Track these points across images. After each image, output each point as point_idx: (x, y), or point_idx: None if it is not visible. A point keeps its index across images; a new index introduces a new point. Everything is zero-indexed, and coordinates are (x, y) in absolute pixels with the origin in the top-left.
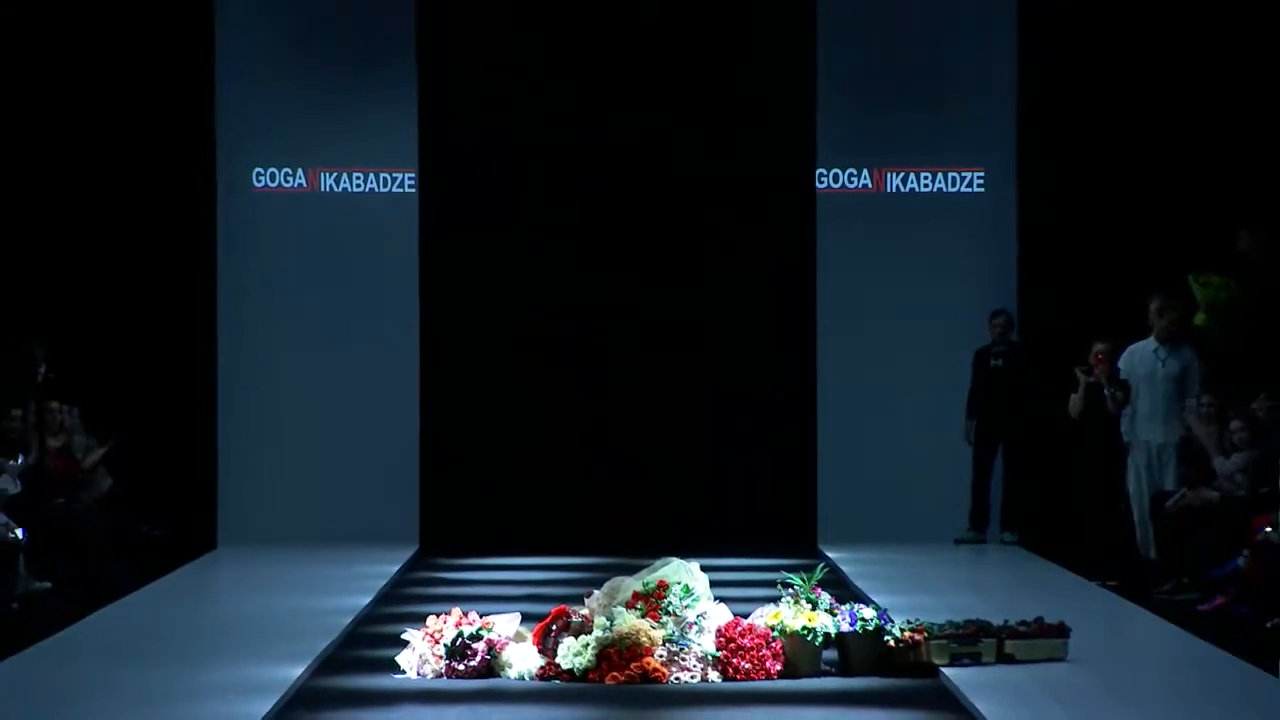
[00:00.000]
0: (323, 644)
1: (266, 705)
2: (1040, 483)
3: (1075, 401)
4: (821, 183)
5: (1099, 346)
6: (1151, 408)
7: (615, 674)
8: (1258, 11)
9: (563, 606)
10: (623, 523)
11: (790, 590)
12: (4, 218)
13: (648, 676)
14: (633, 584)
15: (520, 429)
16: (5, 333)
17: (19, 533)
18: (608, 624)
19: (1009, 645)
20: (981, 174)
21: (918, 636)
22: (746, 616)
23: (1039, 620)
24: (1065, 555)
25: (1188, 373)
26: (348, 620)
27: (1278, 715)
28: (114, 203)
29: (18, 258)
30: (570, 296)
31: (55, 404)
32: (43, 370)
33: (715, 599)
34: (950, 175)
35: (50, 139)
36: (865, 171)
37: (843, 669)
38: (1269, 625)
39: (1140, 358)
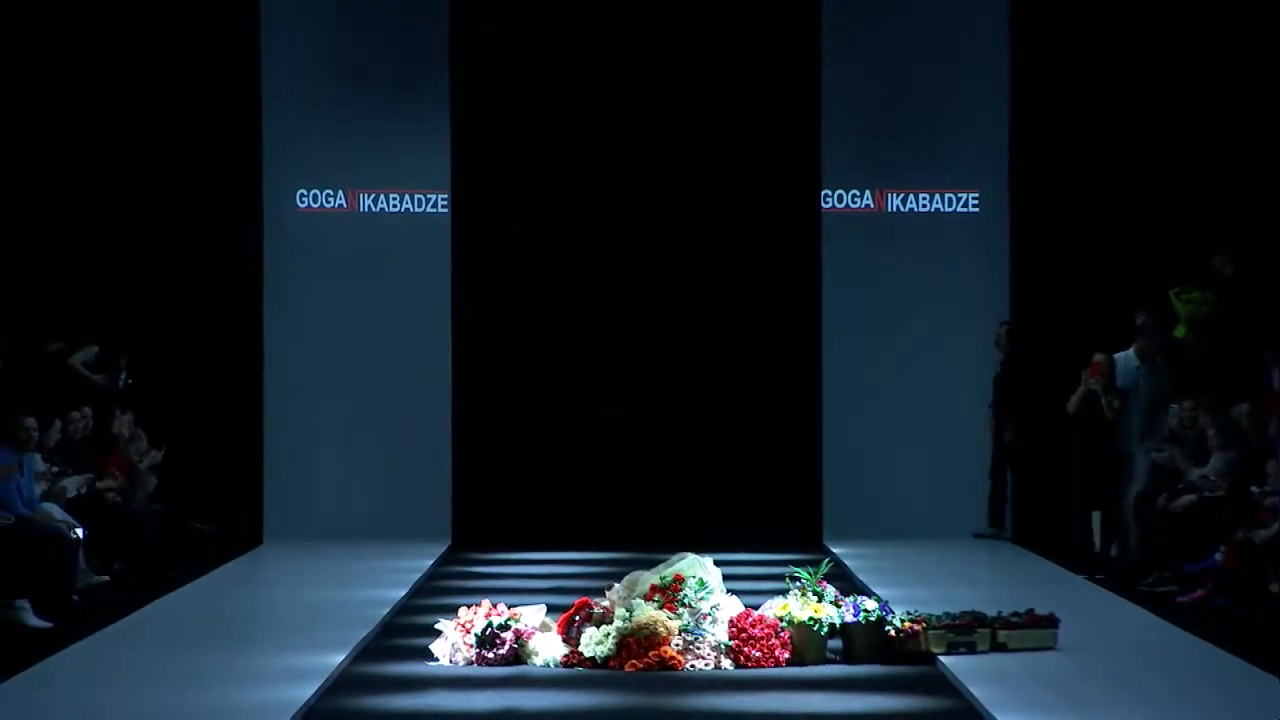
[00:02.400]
0: (362, 633)
1: (309, 690)
2: (1032, 482)
3: (1073, 400)
4: (826, 202)
5: (1098, 357)
6: (1129, 417)
7: (634, 661)
8: (1236, 46)
9: (585, 598)
10: (641, 520)
11: (798, 583)
12: (66, 234)
13: (665, 664)
14: (650, 577)
15: (544, 433)
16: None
17: (79, 531)
18: (627, 615)
19: (1002, 635)
20: (976, 195)
21: (917, 627)
22: (757, 608)
23: (1030, 611)
24: (1055, 550)
25: (1160, 390)
26: (385, 611)
27: (1251, 699)
28: (168, 221)
29: (79, 273)
30: (591, 307)
31: (119, 412)
32: (124, 376)
33: (727, 592)
34: (947, 196)
35: (108, 164)
36: (867, 192)
37: (847, 657)
38: (1249, 614)
39: (1124, 369)
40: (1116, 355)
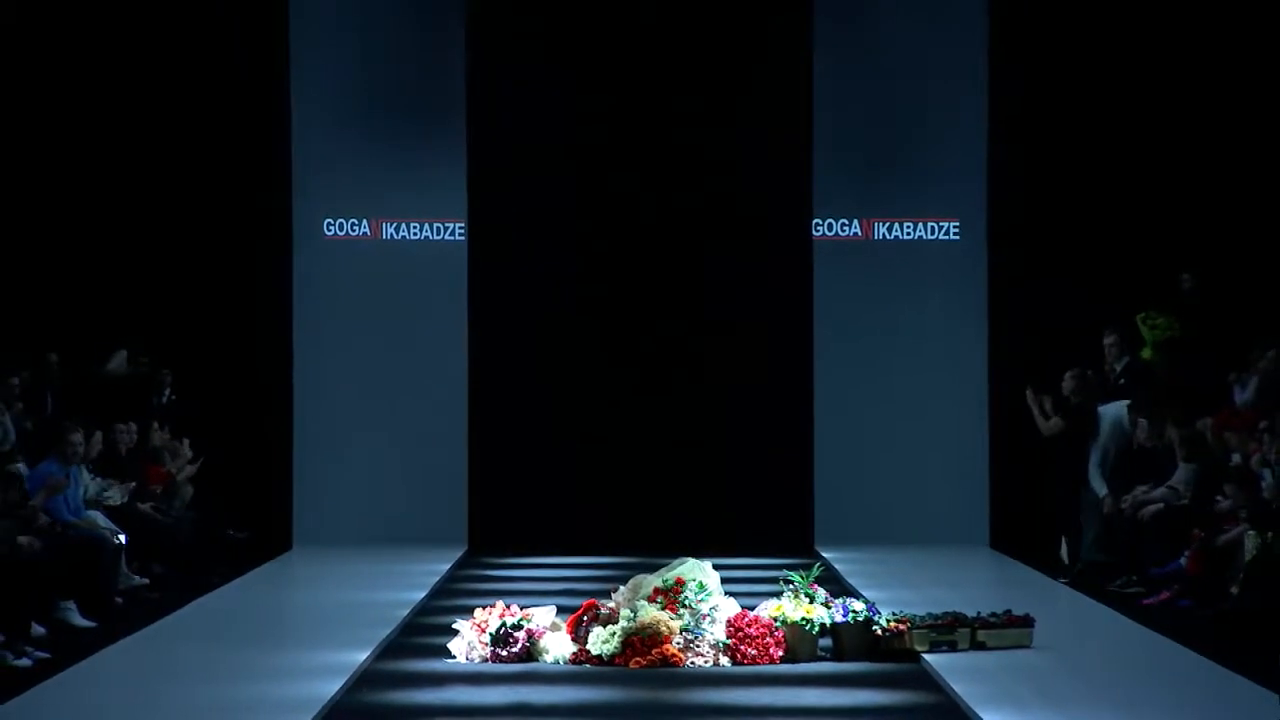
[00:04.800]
0: (384, 632)
1: (335, 685)
2: (1009, 493)
3: (1044, 425)
4: (817, 230)
5: (1070, 373)
6: (1104, 458)
7: (638, 659)
8: (1203, 82)
9: (593, 600)
10: (645, 527)
11: (791, 586)
12: (110, 260)
13: (667, 661)
14: (653, 580)
15: (555, 446)
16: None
17: (121, 537)
18: (632, 615)
19: (981, 634)
20: (957, 224)
21: (902, 626)
22: (753, 609)
23: (1008, 612)
24: (1031, 556)
25: (1124, 419)
26: (405, 612)
27: (1213, 694)
28: (206, 248)
29: (122, 296)
30: (598, 327)
31: (156, 424)
32: (168, 393)
33: (725, 594)
34: (929, 224)
35: (150, 195)
36: (855, 221)
37: (836, 655)
38: (1211, 614)
39: (1115, 425)
40: (1107, 407)
